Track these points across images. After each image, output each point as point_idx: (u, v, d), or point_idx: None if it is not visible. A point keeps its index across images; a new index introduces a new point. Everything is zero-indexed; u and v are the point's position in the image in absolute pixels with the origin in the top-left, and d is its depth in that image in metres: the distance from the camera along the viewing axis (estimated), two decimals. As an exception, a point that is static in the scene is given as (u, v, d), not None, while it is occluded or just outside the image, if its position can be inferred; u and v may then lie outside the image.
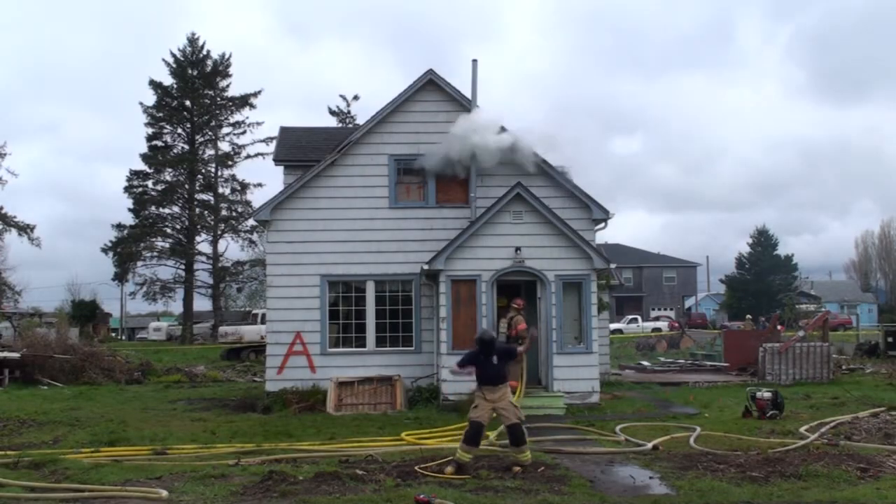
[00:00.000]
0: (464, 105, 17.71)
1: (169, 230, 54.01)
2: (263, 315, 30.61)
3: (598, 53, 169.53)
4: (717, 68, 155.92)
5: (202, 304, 58.99)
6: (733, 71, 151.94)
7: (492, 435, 11.57)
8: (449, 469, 9.41)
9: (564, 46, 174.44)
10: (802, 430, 12.25)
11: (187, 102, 54.12)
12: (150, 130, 53.89)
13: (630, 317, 65.14)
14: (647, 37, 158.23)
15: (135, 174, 53.13)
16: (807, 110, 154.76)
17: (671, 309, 78.20)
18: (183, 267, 53.62)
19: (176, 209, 53.95)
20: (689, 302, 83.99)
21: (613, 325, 48.68)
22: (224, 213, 55.15)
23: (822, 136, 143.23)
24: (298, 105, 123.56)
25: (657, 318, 68.00)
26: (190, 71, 54.16)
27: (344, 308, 17.81)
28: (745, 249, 77.83)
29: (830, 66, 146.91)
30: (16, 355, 23.30)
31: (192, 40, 54.79)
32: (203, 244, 54.90)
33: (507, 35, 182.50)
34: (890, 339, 29.30)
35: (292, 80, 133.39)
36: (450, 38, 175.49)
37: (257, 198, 53.26)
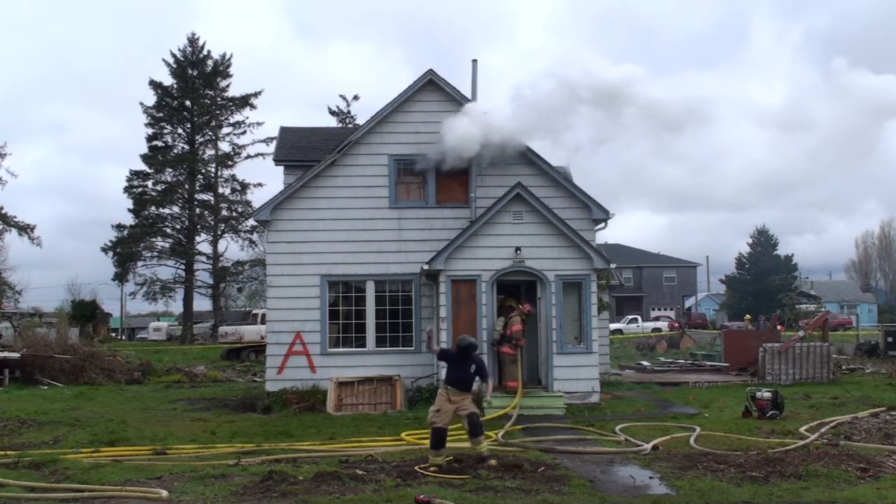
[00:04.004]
0: (464, 105, 17.70)
1: (169, 230, 53.95)
2: (263, 315, 30.60)
3: (610, 53, 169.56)
4: (729, 67, 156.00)
5: (202, 304, 59.04)
6: (745, 70, 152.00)
7: (494, 434, 11.59)
8: (432, 469, 9.55)
9: (577, 46, 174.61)
10: (802, 430, 12.26)
11: (187, 102, 54.03)
12: (150, 131, 53.87)
13: (630, 317, 65.07)
14: (659, 36, 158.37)
15: (135, 174, 53.06)
16: (814, 110, 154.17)
17: (671, 309, 78.16)
18: (183, 267, 53.56)
19: (176, 209, 53.87)
20: (689, 302, 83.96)
21: (613, 325, 48.63)
22: (224, 213, 55.05)
23: (829, 136, 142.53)
24: (307, 105, 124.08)
25: (657, 319, 67.94)
26: (190, 71, 54.10)
27: (344, 308, 17.81)
28: (746, 249, 77.92)
29: (840, 66, 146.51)
30: (16, 355, 23.30)
31: (193, 40, 54.72)
32: (203, 244, 54.87)
33: (518, 35, 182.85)
34: (890, 339, 29.33)
35: (302, 80, 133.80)
36: (461, 39, 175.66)
37: (257, 198, 53.26)
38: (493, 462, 9.62)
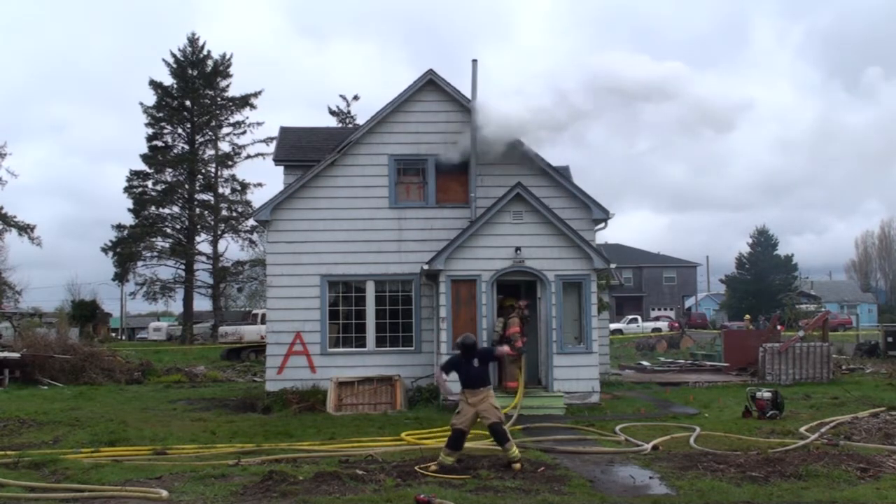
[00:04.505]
0: (464, 105, 17.72)
1: (169, 230, 53.97)
2: (263, 315, 30.60)
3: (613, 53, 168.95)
4: (730, 66, 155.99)
5: (202, 304, 59.05)
6: (746, 70, 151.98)
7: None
8: (433, 467, 9.52)
9: (578, 46, 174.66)
10: (802, 430, 12.26)
11: (187, 102, 54.08)
12: (150, 131, 53.90)
13: (630, 317, 65.12)
14: (660, 36, 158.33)
15: (135, 174, 53.10)
16: (818, 110, 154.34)
17: (671, 309, 78.19)
18: (183, 267, 53.58)
19: (176, 209, 53.91)
20: (689, 302, 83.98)
21: (613, 325, 48.67)
22: (224, 213, 55.09)
23: (831, 136, 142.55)
24: (307, 105, 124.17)
25: (657, 318, 67.99)
26: (190, 71, 54.14)
27: (344, 308, 17.81)
28: (746, 249, 77.95)
29: (844, 65, 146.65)
30: (16, 355, 23.29)
31: (193, 40, 54.77)
32: (203, 244, 54.92)
33: (519, 35, 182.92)
34: (890, 339, 29.34)
35: (302, 80, 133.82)
36: (462, 39, 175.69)
37: (257, 198, 53.31)
38: (517, 466, 9.57)
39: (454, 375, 10.34)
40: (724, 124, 17.73)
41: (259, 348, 32.25)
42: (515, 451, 9.83)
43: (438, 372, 10.80)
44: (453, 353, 10.80)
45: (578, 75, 17.65)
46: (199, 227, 54.17)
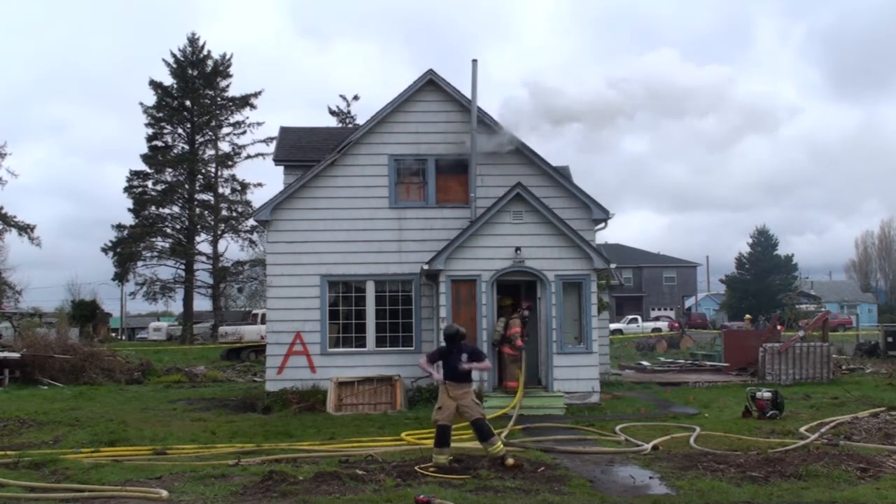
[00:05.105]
0: (464, 105, 17.72)
1: (169, 230, 53.97)
2: (263, 315, 30.60)
3: (614, 53, 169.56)
4: (732, 67, 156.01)
5: (202, 304, 59.06)
6: (748, 70, 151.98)
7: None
8: (432, 469, 9.53)
9: (580, 46, 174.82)
10: (802, 430, 12.26)
11: (187, 102, 54.07)
12: (150, 131, 53.90)
13: (630, 317, 65.08)
14: (661, 35, 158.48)
15: (135, 174, 53.11)
16: (819, 110, 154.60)
17: (671, 309, 78.16)
18: (183, 267, 53.58)
19: (176, 209, 53.92)
20: (689, 302, 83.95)
21: (613, 325, 48.64)
22: (224, 213, 55.09)
23: (833, 136, 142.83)
24: (307, 105, 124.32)
25: (657, 318, 67.96)
26: (190, 71, 54.13)
27: (344, 308, 17.81)
28: (746, 249, 77.97)
29: (844, 65, 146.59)
30: (16, 355, 23.29)
31: (193, 40, 54.76)
32: (203, 244, 54.92)
33: (521, 35, 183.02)
34: (890, 339, 29.33)
35: (302, 80, 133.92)
36: (464, 39, 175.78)
37: (257, 198, 53.33)
38: (510, 461, 9.54)
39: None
40: (770, 126, 17.85)
41: (259, 348, 32.25)
42: (499, 446, 9.81)
43: (424, 360, 10.49)
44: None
45: (635, 74, 17.79)
46: (199, 227, 54.18)
